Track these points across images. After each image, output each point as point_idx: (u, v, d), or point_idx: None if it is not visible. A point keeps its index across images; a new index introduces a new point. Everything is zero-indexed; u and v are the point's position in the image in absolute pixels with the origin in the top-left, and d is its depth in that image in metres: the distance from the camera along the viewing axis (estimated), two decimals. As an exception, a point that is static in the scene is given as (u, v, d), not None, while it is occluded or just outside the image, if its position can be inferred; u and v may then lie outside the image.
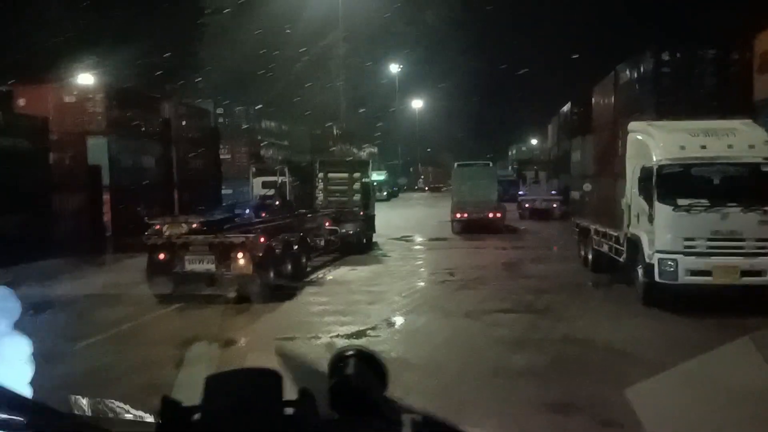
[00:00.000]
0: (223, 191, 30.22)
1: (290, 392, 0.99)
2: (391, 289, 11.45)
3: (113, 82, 24.59)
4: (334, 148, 45.24)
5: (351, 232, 16.15)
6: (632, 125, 10.94)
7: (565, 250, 15.59)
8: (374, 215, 18.64)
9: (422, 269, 14.45)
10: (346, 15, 42.47)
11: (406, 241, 19.89)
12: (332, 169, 19.26)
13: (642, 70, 15.22)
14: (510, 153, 68.11)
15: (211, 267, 9.83)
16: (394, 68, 68.98)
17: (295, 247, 12.09)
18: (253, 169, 27.86)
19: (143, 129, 23.85)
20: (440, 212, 29.11)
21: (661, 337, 7.18)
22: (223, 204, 25.66)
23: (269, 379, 1.04)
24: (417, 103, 76.80)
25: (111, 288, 11.19)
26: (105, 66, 24.93)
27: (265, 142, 33.59)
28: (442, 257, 16.48)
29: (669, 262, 8.68)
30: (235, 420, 0.98)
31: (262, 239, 10.28)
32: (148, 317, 9.29)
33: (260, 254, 9.93)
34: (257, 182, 27.61)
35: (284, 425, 0.98)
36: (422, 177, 73.20)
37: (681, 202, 9.07)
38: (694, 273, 8.76)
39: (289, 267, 11.55)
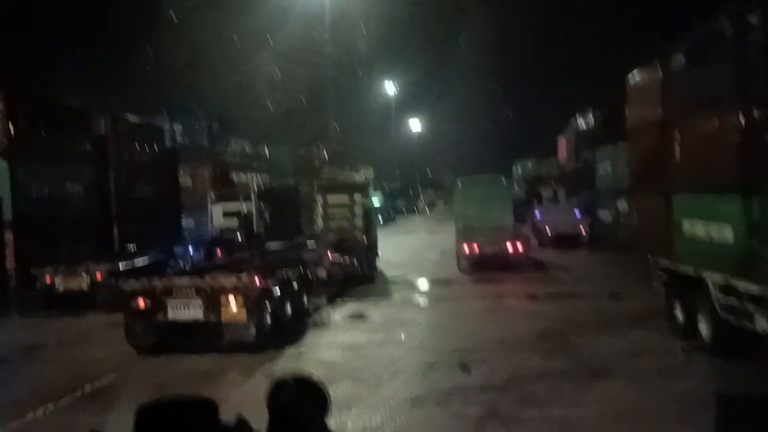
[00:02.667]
0: (184, 223, 25.11)
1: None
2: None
3: (25, 90, 19.69)
4: (323, 171, 40.31)
5: (354, 262, 14.75)
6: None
7: (627, 299, 10.55)
8: (377, 239, 17.49)
9: (412, 354, 8.63)
10: (337, 29, 38.48)
11: (394, 286, 14.83)
12: (331, 192, 17.84)
13: (713, 43, 10.45)
14: (515, 170, 63.05)
15: (199, 314, 8.74)
16: (390, 87, 65.91)
17: (296, 285, 10.65)
18: (212, 196, 22.96)
19: (67, 149, 18.90)
20: (442, 240, 24.65)
21: None
22: (183, 237, 20.62)
23: (204, 408, 1.04)
24: (414, 123, 73.36)
25: None
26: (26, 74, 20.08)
27: (236, 163, 28.63)
28: (446, 320, 11.19)
29: None
30: None
31: (256, 280, 8.86)
32: None
33: (255, 297, 8.76)
34: (217, 211, 22.74)
35: None
36: (421, 199, 68.74)
37: None
38: None
39: (289, 309, 10.16)
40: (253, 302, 8.63)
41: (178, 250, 17.18)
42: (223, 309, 8.57)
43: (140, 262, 14.66)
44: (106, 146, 20.72)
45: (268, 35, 36.71)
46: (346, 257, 14.38)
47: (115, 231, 20.83)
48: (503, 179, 20.19)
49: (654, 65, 18.13)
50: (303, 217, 36.09)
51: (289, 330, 9.65)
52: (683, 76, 13.44)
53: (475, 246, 15.68)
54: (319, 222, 17.25)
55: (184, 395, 1.07)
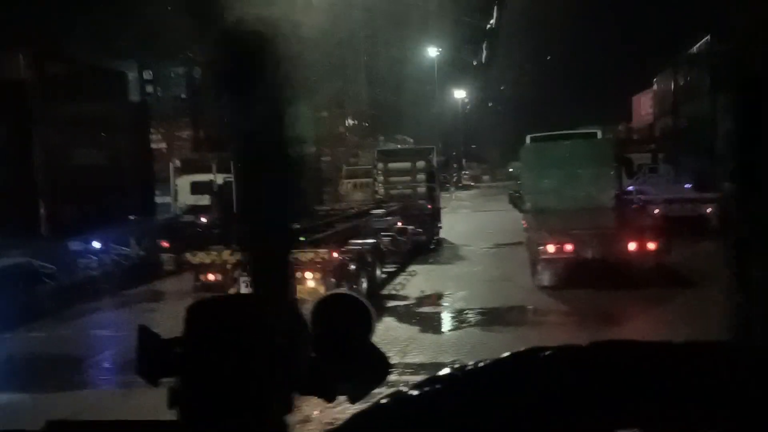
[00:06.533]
0: (159, 199, 18.99)
1: None
2: None
3: None
4: (349, 139, 34.04)
5: (421, 231, 14.14)
6: None
7: None
8: (440, 208, 17.09)
9: None
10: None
11: (425, 323, 8.07)
12: (392, 159, 17.13)
13: None
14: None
15: None
16: (433, 51, 59.51)
17: (369, 258, 9.87)
18: (177, 163, 16.74)
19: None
20: (493, 222, 19.43)
21: None
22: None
23: (256, 302, 1.00)
24: (459, 94, 66.90)
25: None
26: None
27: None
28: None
29: None
30: (222, 350, 0.88)
31: (334, 254, 8.27)
32: None
33: (333, 272, 8.16)
34: (183, 184, 16.57)
35: (278, 353, 0.90)
36: (467, 173, 62.80)
37: None
38: None
39: (364, 283, 9.28)
40: (330, 277, 8.02)
41: (78, 245, 10.92)
42: (299, 285, 7.83)
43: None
44: (25, 95, 14.82)
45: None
46: (412, 226, 13.61)
47: (42, 211, 14.98)
48: (599, 134, 13.28)
49: None
50: (325, 192, 29.98)
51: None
52: None
53: (568, 245, 8.84)
54: (381, 190, 16.49)
55: (236, 293, 0.95)
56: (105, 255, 11.28)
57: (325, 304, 1.09)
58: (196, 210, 15.29)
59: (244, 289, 7.80)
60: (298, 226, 14.27)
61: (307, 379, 0.93)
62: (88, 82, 17.28)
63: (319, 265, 7.98)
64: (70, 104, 15.91)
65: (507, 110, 64.58)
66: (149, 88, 20.30)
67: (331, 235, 10.28)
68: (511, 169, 57.53)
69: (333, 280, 8.04)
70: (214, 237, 14.42)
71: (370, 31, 44.53)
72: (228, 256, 8.29)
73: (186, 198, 15.96)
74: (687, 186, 17.79)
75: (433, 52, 60.09)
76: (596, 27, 61.90)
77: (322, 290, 7.80)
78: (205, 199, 15.62)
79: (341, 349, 1.01)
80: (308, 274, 7.96)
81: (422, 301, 9.30)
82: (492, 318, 7.98)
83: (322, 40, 35.01)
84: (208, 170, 15.88)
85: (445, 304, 8.99)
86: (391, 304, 9.19)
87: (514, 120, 60.24)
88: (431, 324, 8.04)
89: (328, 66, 38.58)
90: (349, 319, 1.06)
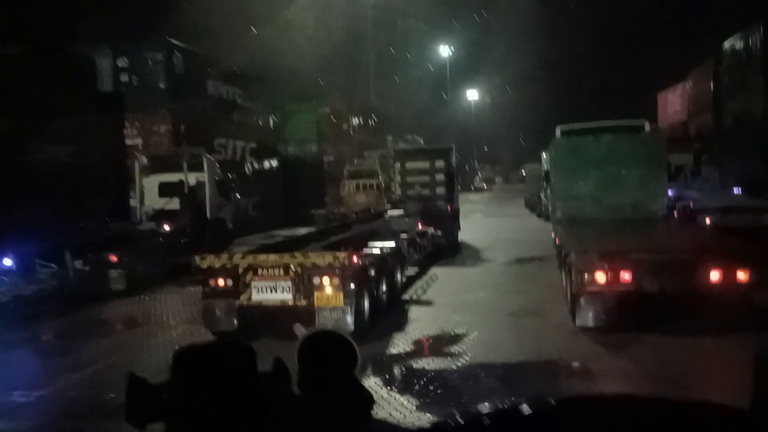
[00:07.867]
0: (134, 202, 16.74)
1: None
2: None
3: None
4: (355, 138, 31.90)
5: (440, 233, 13.45)
6: None
7: None
8: (459, 209, 16.15)
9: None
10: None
11: (424, 390, 5.53)
12: (410, 158, 16.20)
13: None
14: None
15: (288, 297, 7.49)
16: (445, 51, 57.88)
17: (390, 262, 9.22)
18: (144, 161, 14.48)
19: None
20: (508, 229, 17.78)
21: None
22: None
23: (242, 352, 0.99)
24: (472, 94, 65.12)
25: None
26: None
27: (216, 117, 20.04)
28: None
29: None
30: (207, 396, 0.91)
31: (354, 258, 7.46)
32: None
33: (353, 278, 7.46)
34: (150, 185, 14.30)
35: (260, 399, 0.93)
36: (479, 174, 60.80)
37: None
38: None
39: (384, 289, 8.70)
40: (350, 283, 7.33)
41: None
42: (316, 292, 7.32)
43: None
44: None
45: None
46: (431, 227, 13.04)
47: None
48: (647, 127, 10.85)
49: None
50: (328, 193, 27.62)
51: (386, 313, 8.21)
52: None
53: (626, 273, 6.38)
54: (397, 190, 15.93)
55: (220, 340, 1.06)
56: (24, 274, 8.98)
57: (310, 342, 1.14)
58: (163, 215, 13.03)
59: (257, 295, 7.41)
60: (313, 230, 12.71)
61: (291, 419, 0.94)
62: (49, 67, 15.12)
63: (338, 270, 7.28)
64: (23, 91, 13.76)
65: (521, 113, 62.04)
66: (124, 77, 18.02)
67: (350, 237, 9.63)
68: (524, 172, 55.27)
69: (353, 285, 7.34)
70: (181, 247, 12.19)
71: (380, 28, 42.32)
72: (240, 260, 7.61)
73: (153, 201, 13.70)
74: (736, 191, 15.33)
75: (445, 51, 58.03)
76: (616, 22, 59.18)
77: (340, 298, 7.28)
78: (174, 203, 13.37)
79: (325, 386, 1.04)
80: (326, 280, 7.29)
81: (424, 348, 6.91)
82: (519, 380, 5.53)
83: (331, 36, 32.72)
84: (179, 169, 13.61)
85: (454, 351, 6.54)
86: (393, 351, 6.83)
87: (528, 122, 57.75)
88: (433, 392, 5.54)
89: (335, 62, 36.34)
90: (333, 355, 1.09)
